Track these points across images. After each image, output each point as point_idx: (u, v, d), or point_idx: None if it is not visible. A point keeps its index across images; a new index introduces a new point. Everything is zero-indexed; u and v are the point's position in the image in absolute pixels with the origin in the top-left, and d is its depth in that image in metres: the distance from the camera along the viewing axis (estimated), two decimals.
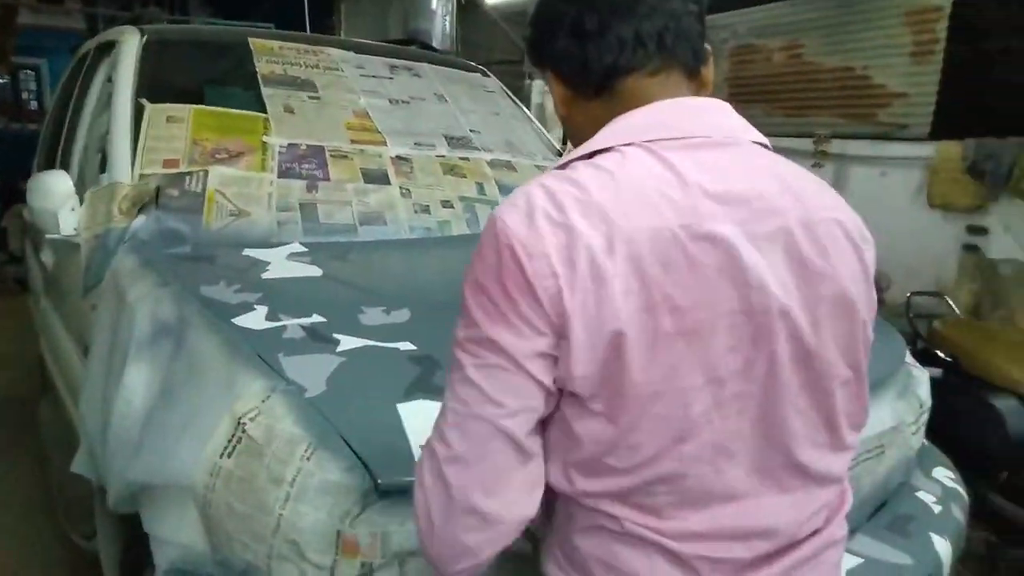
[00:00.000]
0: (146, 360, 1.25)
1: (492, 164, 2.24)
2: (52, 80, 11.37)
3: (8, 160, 5.81)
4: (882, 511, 1.45)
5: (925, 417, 1.58)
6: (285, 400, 1.05)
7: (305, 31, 4.24)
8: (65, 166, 2.19)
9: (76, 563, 2.14)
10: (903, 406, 1.49)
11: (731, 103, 0.76)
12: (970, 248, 4.34)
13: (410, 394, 1.09)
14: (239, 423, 1.04)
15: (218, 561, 1.06)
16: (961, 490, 1.61)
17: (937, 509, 1.50)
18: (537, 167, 2.37)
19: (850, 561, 1.28)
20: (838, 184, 5.17)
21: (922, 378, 1.63)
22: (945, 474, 1.64)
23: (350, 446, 0.99)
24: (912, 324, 2.68)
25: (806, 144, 5.29)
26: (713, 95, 0.78)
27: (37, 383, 3.04)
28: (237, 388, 1.08)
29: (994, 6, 5.01)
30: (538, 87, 5.44)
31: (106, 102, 2.04)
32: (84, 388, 1.41)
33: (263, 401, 1.05)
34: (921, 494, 1.53)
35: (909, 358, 1.66)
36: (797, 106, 5.53)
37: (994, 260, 4.08)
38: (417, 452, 0.98)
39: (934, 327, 2.62)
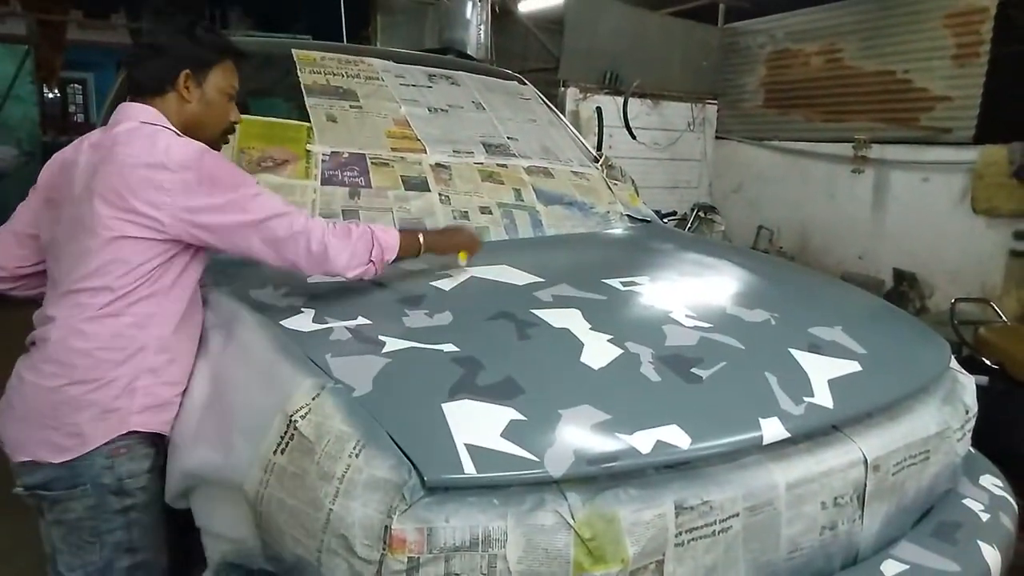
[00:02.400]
0: (200, 356, 1.32)
1: (529, 170, 2.26)
2: (98, 94, 11.75)
3: None
4: (928, 518, 1.43)
5: (971, 424, 1.56)
6: (334, 399, 1.08)
7: (342, 42, 4.32)
8: None
9: None
10: (948, 411, 1.47)
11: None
12: (1017, 254, 4.23)
13: (454, 394, 1.11)
14: (291, 420, 1.07)
15: (269, 556, 1.10)
16: (1010, 498, 1.57)
17: (985, 517, 1.47)
18: (574, 172, 2.39)
19: (895, 567, 1.27)
20: (879, 190, 5.10)
21: (968, 384, 1.60)
22: (993, 482, 1.61)
23: (397, 444, 1.02)
24: (957, 331, 2.63)
25: (846, 149, 5.22)
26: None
27: None
28: (288, 387, 1.12)
29: None
30: (572, 94, 5.47)
31: None
32: None
33: (313, 399, 1.08)
34: (968, 501, 1.50)
35: (954, 363, 1.64)
36: (836, 111, 5.46)
37: None
38: (463, 450, 1.01)
39: (980, 333, 2.57)
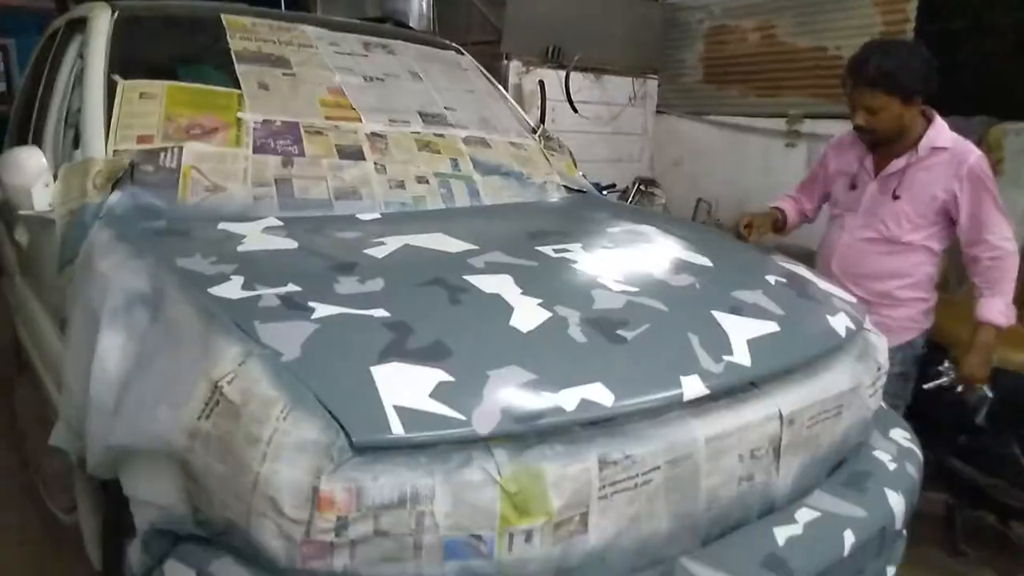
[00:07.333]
0: (120, 327, 1.27)
1: (466, 141, 2.26)
2: (21, 60, 11.10)
3: None
4: (840, 469, 1.52)
5: (883, 380, 1.65)
6: (261, 364, 1.07)
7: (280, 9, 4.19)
8: (38, 143, 2.18)
9: (57, 538, 2.17)
10: (861, 369, 1.55)
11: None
12: None
13: (384, 357, 1.12)
14: (216, 386, 1.07)
15: (199, 521, 1.10)
16: (916, 449, 1.68)
17: (892, 466, 1.57)
18: (511, 143, 2.40)
19: (808, 515, 1.35)
20: (811, 164, 5.25)
21: (879, 344, 1.69)
22: (902, 435, 1.72)
23: (325, 406, 1.02)
24: None
25: (780, 124, 5.35)
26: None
27: (13, 365, 3.03)
28: (213, 353, 1.11)
29: None
30: (515, 68, 5.44)
31: (78, 79, 2.04)
32: (65, 359, 1.43)
33: (239, 365, 1.08)
34: (878, 453, 1.61)
35: (868, 324, 1.73)
36: (771, 86, 5.57)
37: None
38: (391, 411, 1.03)
39: None
